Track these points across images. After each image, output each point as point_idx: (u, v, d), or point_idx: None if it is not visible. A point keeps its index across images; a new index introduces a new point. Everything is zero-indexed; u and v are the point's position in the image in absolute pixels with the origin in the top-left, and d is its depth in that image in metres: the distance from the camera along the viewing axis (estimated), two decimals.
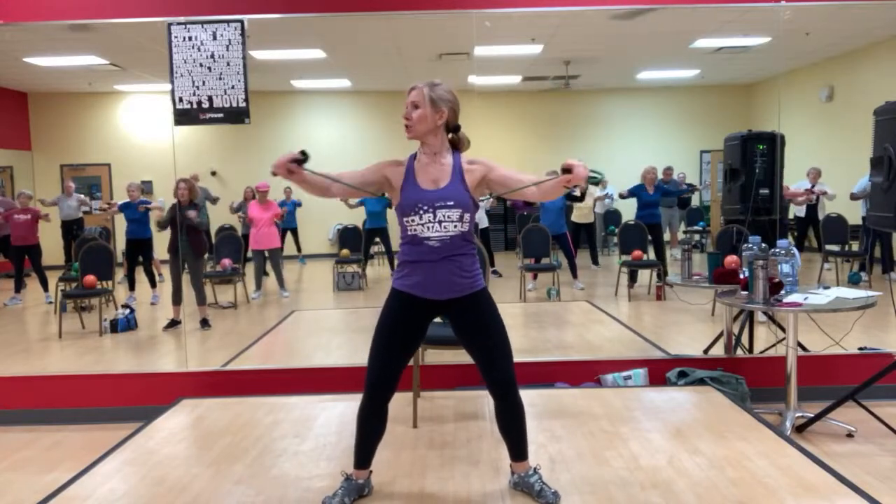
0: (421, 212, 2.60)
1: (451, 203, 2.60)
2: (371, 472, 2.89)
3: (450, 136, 2.71)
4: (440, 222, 2.60)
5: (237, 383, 4.41)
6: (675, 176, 10.17)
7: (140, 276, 8.17)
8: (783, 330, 4.20)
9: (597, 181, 2.63)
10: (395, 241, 10.62)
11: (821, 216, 8.44)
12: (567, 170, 2.43)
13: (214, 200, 9.78)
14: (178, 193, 6.64)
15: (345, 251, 9.22)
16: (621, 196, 8.64)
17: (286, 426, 3.71)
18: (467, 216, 2.63)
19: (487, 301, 2.72)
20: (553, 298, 7.78)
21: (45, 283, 8.36)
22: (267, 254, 8.68)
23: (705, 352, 4.76)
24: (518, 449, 2.79)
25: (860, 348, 4.64)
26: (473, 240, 2.73)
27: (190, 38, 4.33)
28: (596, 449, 3.28)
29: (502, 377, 2.66)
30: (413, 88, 2.64)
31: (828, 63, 9.54)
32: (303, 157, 2.55)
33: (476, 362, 2.72)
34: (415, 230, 2.62)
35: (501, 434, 2.80)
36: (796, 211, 8.62)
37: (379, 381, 2.70)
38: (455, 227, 2.61)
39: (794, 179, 8.45)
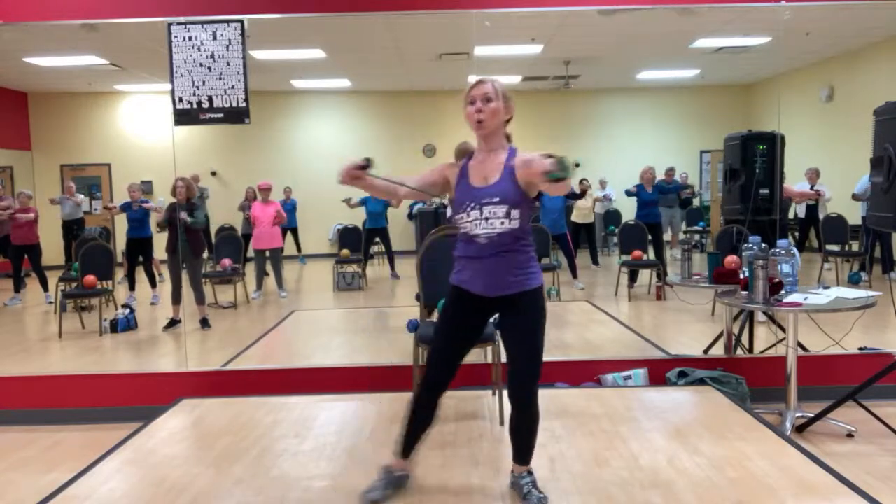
0: (469, 209, 2.59)
1: (497, 199, 2.55)
2: (412, 464, 2.89)
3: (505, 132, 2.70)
4: (486, 219, 2.56)
5: (237, 383, 4.41)
6: (678, 176, 10.18)
7: (140, 276, 8.17)
8: (783, 330, 4.20)
9: (559, 176, 2.40)
10: (395, 242, 10.69)
11: (821, 216, 8.44)
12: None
13: (203, 195, 9.78)
14: (177, 192, 6.64)
15: (345, 251, 9.22)
16: (627, 193, 8.64)
17: (286, 426, 3.71)
18: (516, 213, 2.55)
19: (534, 305, 2.63)
20: (553, 298, 7.78)
21: (45, 283, 8.36)
22: (268, 253, 8.68)
23: (705, 352, 4.76)
24: (521, 454, 2.77)
25: (860, 348, 4.64)
26: (528, 237, 2.64)
27: (190, 38, 4.33)
28: (596, 449, 3.28)
29: (520, 387, 2.62)
30: (480, 82, 2.60)
31: (828, 63, 9.54)
32: (366, 164, 2.58)
33: (507, 362, 2.71)
34: (465, 227, 2.62)
35: (509, 435, 2.78)
36: (797, 211, 8.63)
37: (434, 373, 2.73)
38: (502, 223, 2.55)
39: (794, 180, 8.45)
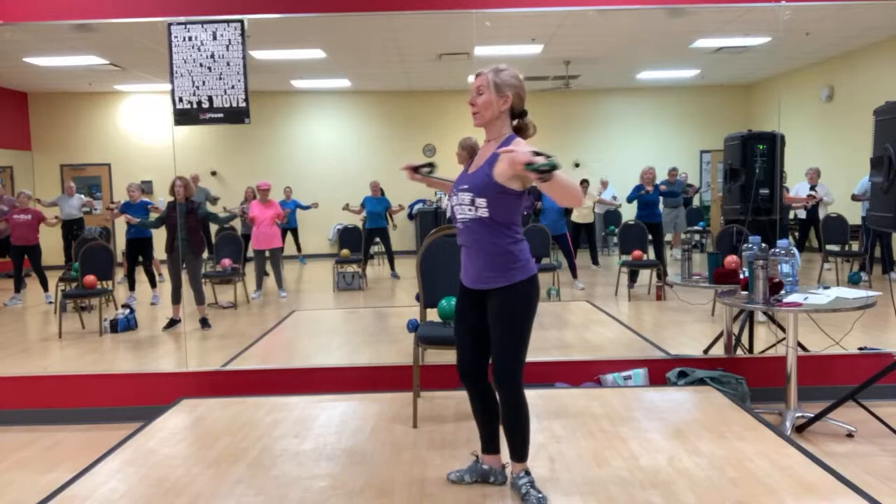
0: (452, 195, 2.69)
1: (466, 186, 2.61)
2: (505, 465, 2.90)
3: (516, 121, 2.67)
4: (459, 205, 2.64)
5: (237, 383, 4.41)
6: (678, 176, 10.17)
7: (140, 276, 8.17)
8: (783, 330, 4.20)
9: (540, 168, 2.37)
10: (395, 242, 10.67)
11: (821, 216, 8.45)
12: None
13: (214, 200, 9.77)
14: (175, 192, 6.64)
15: (345, 251, 9.22)
16: (628, 200, 8.63)
17: (286, 426, 3.71)
18: (481, 202, 2.55)
19: (509, 301, 2.60)
20: (553, 298, 7.78)
21: (45, 283, 8.36)
22: (268, 253, 8.68)
23: (705, 352, 4.76)
24: (513, 449, 2.76)
25: (860, 348, 4.64)
26: (504, 230, 2.58)
27: (190, 38, 4.33)
28: (596, 449, 3.28)
29: (497, 374, 2.65)
30: (478, 74, 2.64)
31: (828, 63, 9.54)
32: (421, 165, 2.98)
33: None
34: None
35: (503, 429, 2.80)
36: (797, 211, 8.63)
37: (460, 368, 2.80)
38: (470, 210, 2.59)
39: (795, 180, 8.46)
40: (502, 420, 2.74)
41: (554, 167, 2.24)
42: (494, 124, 2.64)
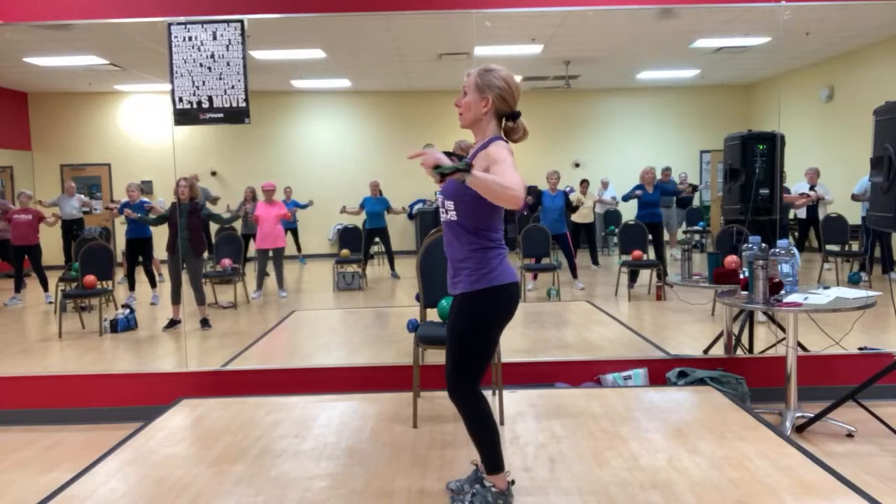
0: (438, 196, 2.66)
1: (443, 189, 2.55)
2: (506, 472, 2.73)
3: (508, 123, 2.55)
4: (440, 208, 2.62)
5: (237, 383, 4.41)
6: (677, 176, 10.16)
7: (140, 276, 8.17)
8: (783, 330, 4.20)
9: (446, 171, 2.29)
10: (395, 242, 10.67)
11: (821, 216, 8.44)
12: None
13: (214, 200, 9.78)
14: (179, 192, 6.64)
15: (345, 251, 9.22)
16: (624, 199, 8.64)
17: (286, 426, 3.71)
18: (450, 204, 2.51)
19: (461, 309, 2.53)
20: (553, 298, 7.78)
21: (45, 283, 8.36)
22: (271, 253, 8.68)
23: (705, 352, 4.76)
24: (481, 457, 2.66)
25: (860, 348, 4.64)
26: (473, 236, 2.49)
27: (190, 38, 4.33)
28: (596, 449, 3.28)
29: (447, 384, 2.59)
30: (468, 75, 2.57)
31: (828, 63, 9.54)
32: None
33: None
34: None
35: None
36: (797, 211, 8.63)
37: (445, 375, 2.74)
38: (446, 214, 2.55)
39: (794, 180, 8.46)
40: (466, 426, 2.63)
41: (458, 170, 2.21)
42: (479, 126, 2.56)
